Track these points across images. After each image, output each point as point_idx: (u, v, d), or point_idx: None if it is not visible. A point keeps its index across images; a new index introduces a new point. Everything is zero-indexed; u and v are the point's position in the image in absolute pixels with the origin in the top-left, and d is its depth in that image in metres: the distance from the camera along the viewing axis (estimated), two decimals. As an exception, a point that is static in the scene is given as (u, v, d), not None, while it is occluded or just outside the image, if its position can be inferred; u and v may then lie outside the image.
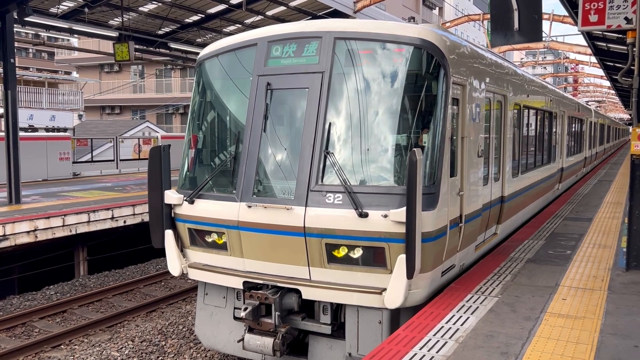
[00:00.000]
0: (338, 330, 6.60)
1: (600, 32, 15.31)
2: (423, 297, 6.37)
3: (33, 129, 33.85)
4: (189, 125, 7.62)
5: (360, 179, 6.21)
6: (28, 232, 11.85)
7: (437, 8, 64.54)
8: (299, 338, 6.92)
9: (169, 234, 7.22)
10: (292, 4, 18.71)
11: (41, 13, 16.54)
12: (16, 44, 18.96)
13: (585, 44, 21.84)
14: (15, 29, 15.57)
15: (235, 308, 7.20)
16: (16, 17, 14.61)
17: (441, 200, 6.23)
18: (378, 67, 6.39)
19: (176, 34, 20.57)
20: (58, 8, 16.77)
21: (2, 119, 20.47)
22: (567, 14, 14.44)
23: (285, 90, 6.67)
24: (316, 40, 6.58)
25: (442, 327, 5.61)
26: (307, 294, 6.42)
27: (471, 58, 7.41)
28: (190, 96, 7.76)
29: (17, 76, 19.50)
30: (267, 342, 6.45)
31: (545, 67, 52.53)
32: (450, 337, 5.33)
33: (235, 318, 7.16)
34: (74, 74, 52.77)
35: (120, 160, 24.82)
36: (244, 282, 6.74)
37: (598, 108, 54.39)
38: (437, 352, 5.01)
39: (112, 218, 13.68)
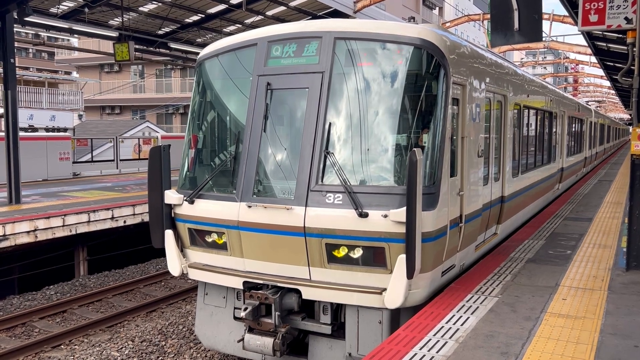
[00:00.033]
0: (338, 330, 6.60)
1: (600, 32, 15.31)
2: (423, 297, 6.36)
3: (33, 129, 33.86)
4: (189, 125, 7.62)
5: (360, 179, 6.21)
6: (28, 232, 11.85)
7: (437, 8, 64.55)
8: (299, 338, 6.92)
9: (169, 234, 7.22)
10: (292, 4, 18.72)
11: (41, 13, 16.54)
12: (16, 44, 18.96)
13: (585, 44, 21.84)
14: (15, 29, 15.57)
15: (235, 308, 7.20)
16: (16, 17, 14.62)
17: (441, 200, 6.23)
18: (378, 67, 6.39)
19: (176, 34, 20.57)
20: (58, 8, 16.77)
21: (2, 119, 20.47)
22: (567, 14, 14.44)
23: (285, 90, 6.67)
24: (316, 40, 6.58)
25: (442, 327, 5.61)
26: (307, 294, 6.42)
27: (471, 58, 7.41)
28: (190, 96, 7.76)
29: (17, 76, 19.51)
30: (267, 342, 6.45)
31: (545, 67, 52.54)
32: (450, 337, 5.33)
33: (235, 318, 7.16)
34: (74, 74, 52.78)
35: (120, 160, 24.82)
36: (244, 282, 6.74)
37: (598, 108, 54.39)
38: (437, 352, 5.01)
39: (112, 218, 13.68)
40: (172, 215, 7.23)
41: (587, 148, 23.14)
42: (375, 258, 6.07)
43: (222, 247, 6.91)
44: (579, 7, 8.24)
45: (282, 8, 18.91)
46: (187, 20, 19.52)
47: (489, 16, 10.03)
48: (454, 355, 4.94)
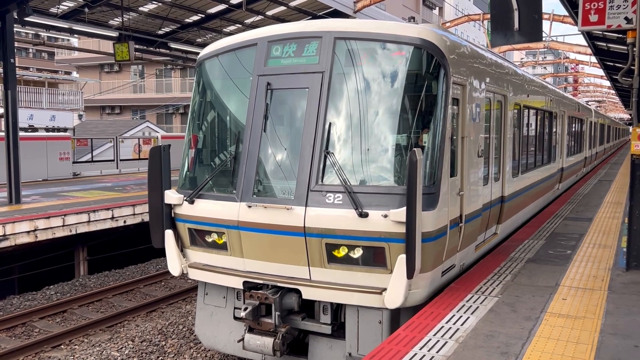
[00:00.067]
0: (338, 330, 6.60)
1: (600, 32, 15.31)
2: (423, 297, 6.36)
3: (33, 129, 33.85)
4: (189, 125, 7.62)
5: (360, 178, 6.21)
6: (28, 232, 11.85)
7: (437, 8, 64.54)
8: (299, 338, 6.92)
9: (169, 234, 7.22)
10: (292, 4, 18.72)
11: (41, 13, 16.55)
12: (16, 44, 18.97)
13: (585, 44, 21.84)
14: (15, 29, 15.58)
15: (235, 308, 7.20)
16: (16, 17, 14.62)
17: (441, 200, 6.23)
18: (378, 67, 6.39)
19: (176, 34, 20.57)
20: (58, 8, 16.77)
21: (2, 119, 20.48)
22: (567, 14, 14.44)
23: (285, 90, 6.67)
24: (316, 40, 6.58)
25: (442, 327, 5.61)
26: (307, 294, 6.42)
27: (471, 58, 7.41)
28: (190, 96, 7.76)
29: (17, 76, 19.50)
30: (267, 342, 6.45)
31: (545, 67, 52.53)
32: (450, 337, 5.33)
33: (236, 318, 7.16)
34: (74, 74, 52.78)
35: (120, 160, 24.82)
36: (244, 282, 6.74)
37: (598, 108, 54.38)
38: (437, 352, 5.01)
39: (112, 218, 13.68)
40: (172, 215, 7.23)
41: (587, 148, 23.14)
42: (375, 258, 6.07)
43: (222, 247, 6.90)
44: (579, 7, 8.24)
45: (282, 8, 18.92)
46: (187, 20, 19.52)
47: (489, 16, 10.04)
48: (454, 355, 4.94)
